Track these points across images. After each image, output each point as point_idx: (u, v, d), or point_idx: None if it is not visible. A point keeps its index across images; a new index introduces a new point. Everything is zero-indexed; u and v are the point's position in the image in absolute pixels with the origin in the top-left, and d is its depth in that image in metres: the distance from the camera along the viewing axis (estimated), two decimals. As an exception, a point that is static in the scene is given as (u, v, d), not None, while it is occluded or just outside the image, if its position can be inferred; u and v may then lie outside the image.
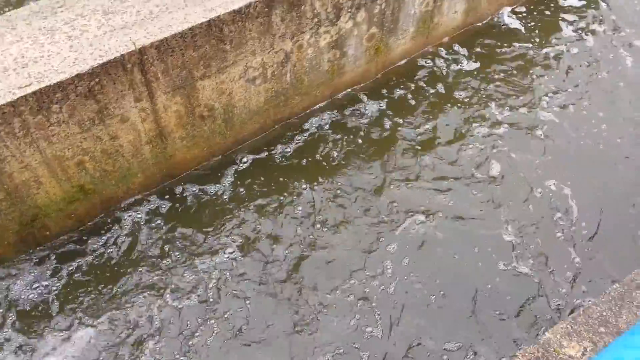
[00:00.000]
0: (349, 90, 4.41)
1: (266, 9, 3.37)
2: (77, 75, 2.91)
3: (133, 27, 3.15)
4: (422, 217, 3.76)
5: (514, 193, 3.91)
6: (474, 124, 4.29)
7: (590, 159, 4.15)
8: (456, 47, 4.77)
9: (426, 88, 4.49)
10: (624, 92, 4.62)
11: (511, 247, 3.63)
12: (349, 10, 3.80)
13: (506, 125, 4.30)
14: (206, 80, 3.46)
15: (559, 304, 3.40)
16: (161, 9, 3.24)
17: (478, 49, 4.79)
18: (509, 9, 5.07)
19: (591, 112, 4.44)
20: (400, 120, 4.27)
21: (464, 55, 4.72)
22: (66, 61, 2.96)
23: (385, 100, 4.38)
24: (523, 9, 5.13)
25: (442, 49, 4.76)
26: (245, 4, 3.27)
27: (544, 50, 4.83)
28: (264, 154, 4.03)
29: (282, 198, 3.82)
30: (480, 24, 4.96)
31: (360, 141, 4.14)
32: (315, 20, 3.67)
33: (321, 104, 4.32)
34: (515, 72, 4.65)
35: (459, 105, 4.41)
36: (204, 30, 3.21)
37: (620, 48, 4.93)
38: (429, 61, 4.67)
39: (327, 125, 4.22)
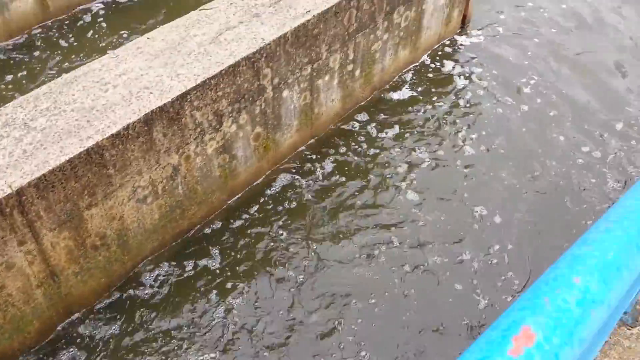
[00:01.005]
0: (247, 189, 4.47)
1: (146, 128, 3.41)
2: (-53, 231, 2.74)
3: (7, 169, 3.05)
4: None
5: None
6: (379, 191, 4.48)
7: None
8: (335, 138, 5.03)
9: (315, 175, 4.65)
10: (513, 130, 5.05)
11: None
12: (230, 115, 3.93)
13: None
14: (94, 209, 3.38)
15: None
16: (35, 146, 3.18)
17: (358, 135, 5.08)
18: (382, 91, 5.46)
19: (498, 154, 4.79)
20: (290, 225, 4.37)
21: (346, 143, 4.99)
22: None
23: (278, 194, 4.49)
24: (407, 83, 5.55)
25: (328, 137, 5.00)
26: (123, 127, 3.29)
27: (429, 110, 5.20)
28: (166, 272, 3.93)
29: (193, 319, 3.72)
30: (357, 106, 5.28)
31: (272, 239, 4.17)
32: (199, 129, 3.75)
33: (219, 210, 4.33)
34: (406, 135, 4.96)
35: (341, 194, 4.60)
36: (84, 160, 3.17)
37: (504, 95, 5.41)
38: (315, 150, 4.88)
39: (227, 232, 4.22)
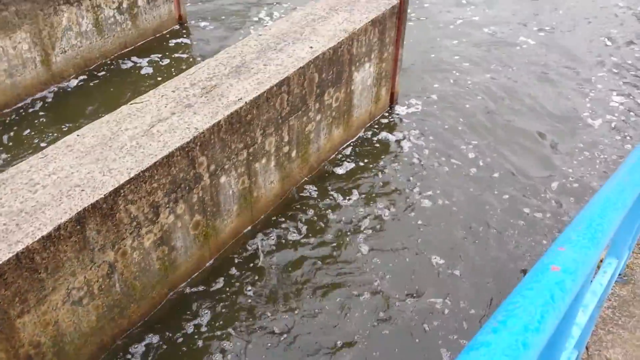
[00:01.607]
0: (189, 280, 4.39)
1: (78, 227, 3.35)
2: None
3: None
4: None
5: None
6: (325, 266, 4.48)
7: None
8: (278, 218, 5.08)
9: (260, 256, 4.64)
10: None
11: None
12: (167, 205, 3.92)
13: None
14: (26, 316, 3.23)
15: None
16: (-42, 255, 3.05)
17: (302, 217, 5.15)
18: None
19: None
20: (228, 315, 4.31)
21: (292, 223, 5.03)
22: None
23: (223, 281, 4.43)
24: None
25: (267, 218, 5.03)
26: (54, 228, 3.22)
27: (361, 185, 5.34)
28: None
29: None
30: (298, 184, 5.37)
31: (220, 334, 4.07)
32: (134, 223, 3.71)
33: (160, 305, 4.21)
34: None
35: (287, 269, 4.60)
36: (13, 266, 3.06)
37: (446, 158, 5.63)
38: (257, 233, 4.88)
39: (171, 326, 4.10)
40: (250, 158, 4.58)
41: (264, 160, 4.75)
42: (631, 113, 6.72)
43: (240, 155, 4.44)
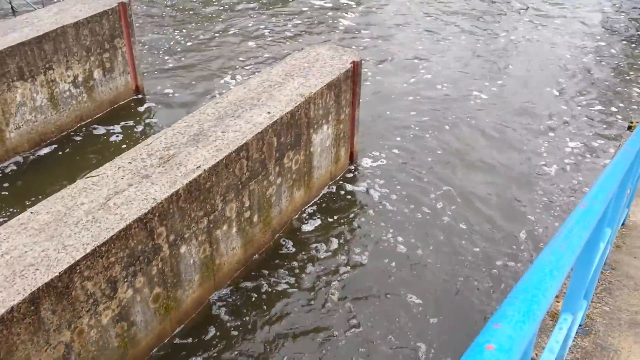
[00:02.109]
0: (150, 355, 4.26)
1: (32, 307, 3.25)
2: None
3: None
4: None
5: None
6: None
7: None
8: (242, 283, 5.04)
9: (225, 325, 4.55)
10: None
11: None
12: (125, 279, 3.85)
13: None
14: (-26, 407, 3.08)
15: None
16: None
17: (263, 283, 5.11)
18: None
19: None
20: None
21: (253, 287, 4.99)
22: None
23: (186, 354, 4.31)
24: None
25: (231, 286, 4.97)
26: (7, 310, 3.12)
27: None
28: None
29: None
30: (263, 248, 5.35)
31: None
32: (91, 300, 3.62)
33: (123, 383, 4.07)
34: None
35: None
36: (-39, 353, 2.94)
37: (415, 207, 5.69)
38: (222, 302, 4.81)
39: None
40: (211, 225, 4.56)
41: (225, 227, 4.74)
42: (583, 158, 7.04)
43: (200, 223, 4.43)
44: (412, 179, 6.48)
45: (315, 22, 10.56)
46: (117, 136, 7.00)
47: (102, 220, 3.77)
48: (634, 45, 10.32)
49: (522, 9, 11.61)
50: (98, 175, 4.21)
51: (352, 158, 6.64)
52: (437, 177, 6.53)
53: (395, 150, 6.97)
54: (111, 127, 7.14)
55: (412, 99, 8.22)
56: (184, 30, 9.95)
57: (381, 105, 8.01)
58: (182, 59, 8.97)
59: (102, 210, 3.85)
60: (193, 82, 8.33)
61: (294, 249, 5.40)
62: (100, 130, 7.09)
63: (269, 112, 5.08)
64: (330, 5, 11.32)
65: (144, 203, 3.94)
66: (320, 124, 5.75)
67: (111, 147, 6.77)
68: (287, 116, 5.14)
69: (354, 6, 11.34)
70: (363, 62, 8.08)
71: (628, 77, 9.19)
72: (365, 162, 6.74)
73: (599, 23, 11.18)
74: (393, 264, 5.31)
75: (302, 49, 7.70)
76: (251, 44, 9.60)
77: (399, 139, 7.24)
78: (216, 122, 4.92)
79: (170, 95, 7.98)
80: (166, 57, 8.96)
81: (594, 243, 2.18)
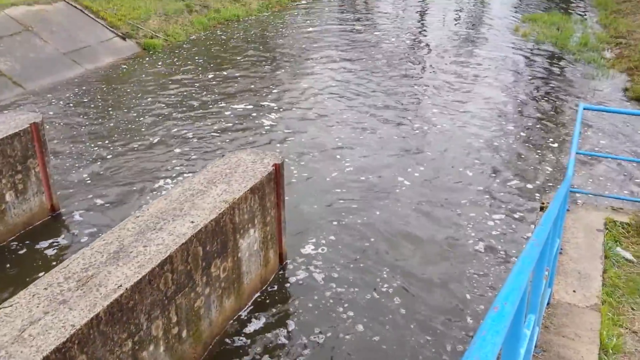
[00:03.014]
0: None
1: None
2: None
3: None
4: None
5: None
6: None
7: None
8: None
9: None
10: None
11: None
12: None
13: None
14: None
15: None
16: None
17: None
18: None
19: None
20: None
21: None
22: None
23: None
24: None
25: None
26: None
27: None
28: None
29: None
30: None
31: None
32: None
33: None
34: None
35: None
36: None
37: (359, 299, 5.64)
38: None
39: None
40: (136, 347, 4.37)
41: (151, 347, 4.55)
42: (507, 230, 7.42)
43: (124, 346, 4.24)
44: (345, 269, 6.58)
45: (238, 126, 10.84)
46: (32, 261, 6.71)
47: (16, 355, 3.54)
48: (544, 123, 11.17)
49: (436, 96, 12.40)
50: (11, 306, 3.99)
51: (282, 259, 6.64)
52: (374, 265, 6.69)
53: (327, 243, 7.07)
54: (25, 251, 6.86)
55: (339, 191, 8.44)
56: (103, 143, 9.92)
57: (308, 200, 8.16)
58: (101, 173, 8.88)
59: (17, 344, 3.63)
60: (113, 197, 8.22)
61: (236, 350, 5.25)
62: (13, 255, 6.79)
63: (192, 222, 5.07)
64: (251, 107, 11.69)
65: (61, 331, 3.75)
66: (246, 229, 5.77)
67: (25, 274, 6.46)
68: (211, 224, 5.14)
69: (275, 107, 11.76)
70: (286, 160, 8.31)
71: (539, 154, 9.86)
72: (298, 260, 6.76)
73: (512, 108, 12.08)
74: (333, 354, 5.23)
75: (223, 155, 7.84)
76: (175, 151, 9.68)
77: (329, 231, 7.36)
78: (137, 236, 4.84)
79: (89, 212, 7.81)
80: (84, 174, 8.85)
81: (515, 339, 2.24)
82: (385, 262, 6.73)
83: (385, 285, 6.33)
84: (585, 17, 20.10)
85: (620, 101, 12.53)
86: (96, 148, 9.73)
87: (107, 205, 8.00)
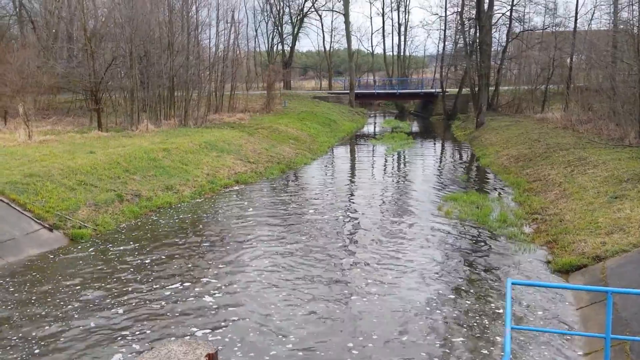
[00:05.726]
0: None
1: None
2: None
3: None
4: None
5: None
6: None
7: None
8: None
9: None
10: None
11: None
12: None
13: None
14: None
15: None
16: None
17: None
18: None
19: None
20: None
21: None
22: None
23: None
24: None
25: None
26: None
27: None
28: None
29: None
30: None
31: None
32: None
33: None
34: None
35: None
36: None
37: None
38: None
39: None
40: None
41: None
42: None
43: None
44: None
45: (169, 312, 10.71)
46: None
47: None
48: (472, 300, 11.63)
49: (362, 278, 12.79)
50: None
51: None
52: None
53: None
54: None
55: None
56: (18, 338, 9.50)
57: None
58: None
59: None
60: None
61: None
62: None
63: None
64: (183, 291, 11.65)
65: None
66: None
67: None
68: None
69: (210, 290, 11.77)
70: (221, 348, 8.21)
71: (469, 334, 10.15)
72: None
73: (441, 286, 12.57)
74: None
75: (152, 347, 7.71)
76: (101, 345, 9.37)
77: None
78: None
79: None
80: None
81: None
82: None
83: None
84: (501, 195, 21.94)
85: (545, 273, 13.31)
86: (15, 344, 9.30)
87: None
